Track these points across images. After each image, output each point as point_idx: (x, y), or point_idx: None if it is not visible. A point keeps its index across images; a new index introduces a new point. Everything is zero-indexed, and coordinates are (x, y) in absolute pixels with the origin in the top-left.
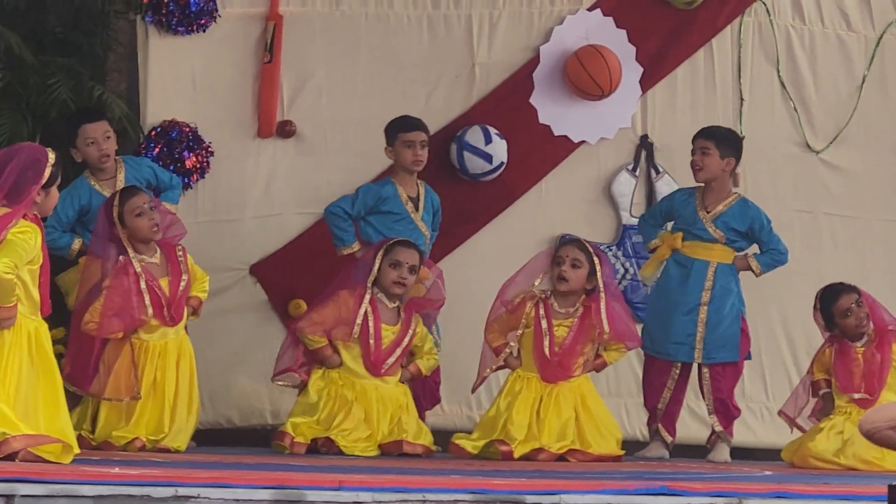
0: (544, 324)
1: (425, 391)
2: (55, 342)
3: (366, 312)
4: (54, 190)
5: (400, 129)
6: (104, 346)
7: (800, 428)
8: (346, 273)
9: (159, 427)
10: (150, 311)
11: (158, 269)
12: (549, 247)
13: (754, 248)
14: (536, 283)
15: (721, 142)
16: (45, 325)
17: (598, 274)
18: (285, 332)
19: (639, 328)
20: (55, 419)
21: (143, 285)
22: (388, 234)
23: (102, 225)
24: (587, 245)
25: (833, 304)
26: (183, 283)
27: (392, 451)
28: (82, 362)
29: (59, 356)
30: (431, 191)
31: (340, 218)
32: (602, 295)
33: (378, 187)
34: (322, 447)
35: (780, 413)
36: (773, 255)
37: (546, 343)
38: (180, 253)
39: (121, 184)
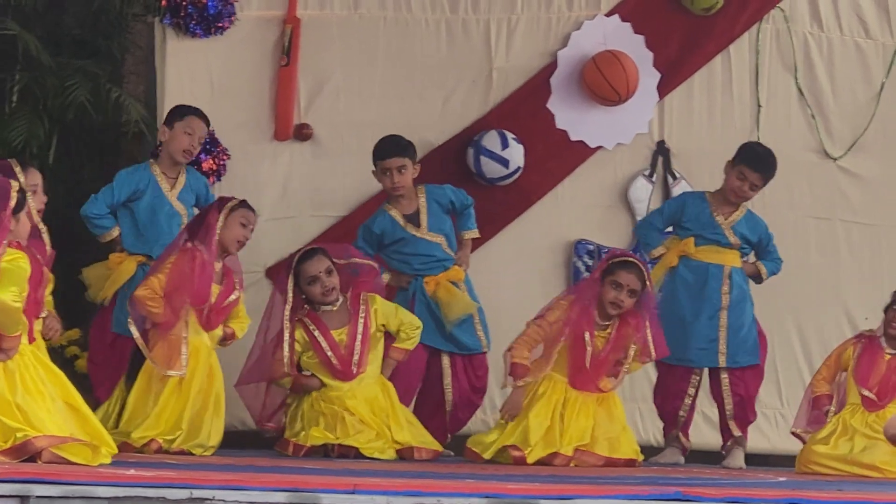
0: (587, 335)
1: (472, 387)
2: (71, 343)
3: (311, 330)
4: (24, 217)
5: (377, 154)
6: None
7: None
8: (267, 314)
9: (177, 425)
10: (213, 299)
11: (216, 276)
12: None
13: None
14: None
15: (768, 178)
16: (43, 345)
17: (646, 296)
18: None
19: None
20: (84, 424)
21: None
22: (403, 259)
23: (212, 210)
24: (643, 269)
25: None
26: (231, 298)
27: (406, 456)
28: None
29: (74, 357)
30: (435, 190)
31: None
32: (646, 317)
33: (370, 224)
34: (335, 453)
35: (793, 433)
36: (777, 264)
37: (588, 354)
38: (237, 280)
39: (181, 185)
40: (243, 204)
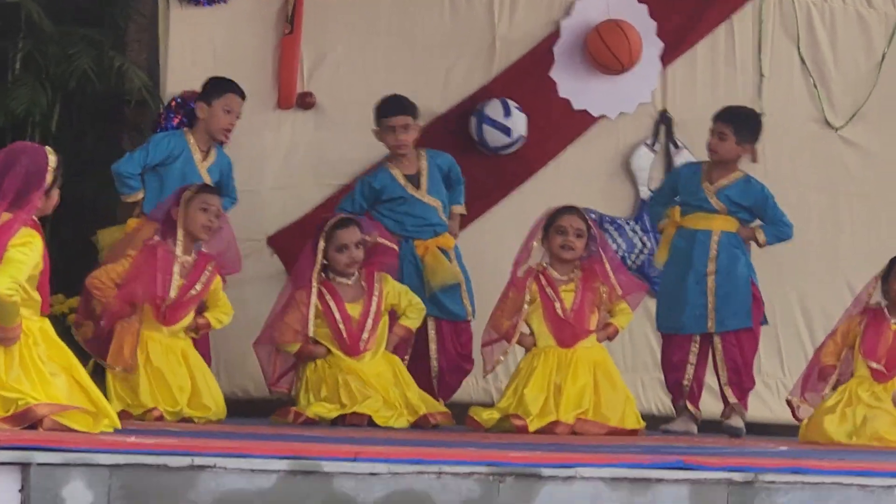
0: (550, 291)
1: (458, 354)
2: (72, 311)
3: (326, 300)
4: (55, 191)
5: (381, 112)
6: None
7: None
8: (293, 273)
9: (169, 400)
10: (173, 293)
11: (183, 269)
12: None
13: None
14: (534, 247)
15: (740, 128)
16: (48, 321)
17: (597, 238)
18: None
19: (655, 303)
20: (85, 396)
21: (175, 269)
22: (398, 219)
23: (169, 202)
24: (583, 211)
25: None
26: (193, 292)
27: (423, 424)
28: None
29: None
30: (437, 155)
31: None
32: (603, 256)
33: (370, 179)
34: (349, 421)
35: (787, 401)
36: (779, 228)
37: (558, 307)
38: (209, 270)
39: (212, 159)
40: (201, 189)
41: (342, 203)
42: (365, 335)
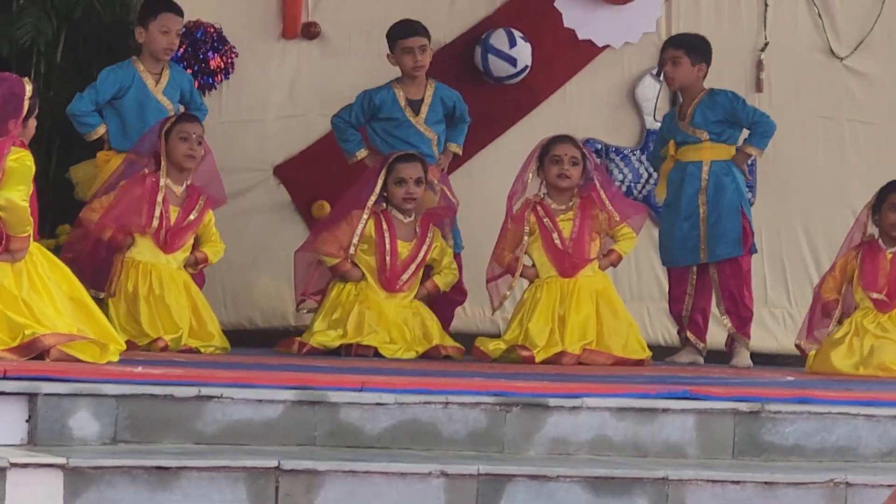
0: (548, 222)
1: (439, 298)
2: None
3: (382, 229)
4: (32, 121)
5: (399, 34)
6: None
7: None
8: (353, 192)
9: (171, 327)
10: (155, 223)
11: (176, 199)
12: (535, 147)
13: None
14: (528, 179)
15: (691, 50)
16: (40, 245)
17: (591, 167)
18: (308, 233)
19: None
20: (90, 320)
21: (159, 198)
22: (388, 140)
23: (150, 136)
24: (576, 139)
25: (892, 192)
26: (190, 219)
27: (432, 354)
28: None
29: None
30: (445, 89)
31: (340, 128)
32: (597, 183)
33: (373, 93)
34: (355, 352)
35: (797, 346)
36: (760, 129)
37: (556, 237)
38: (202, 202)
39: (165, 81)
40: (180, 119)
41: (340, 112)
42: (405, 276)
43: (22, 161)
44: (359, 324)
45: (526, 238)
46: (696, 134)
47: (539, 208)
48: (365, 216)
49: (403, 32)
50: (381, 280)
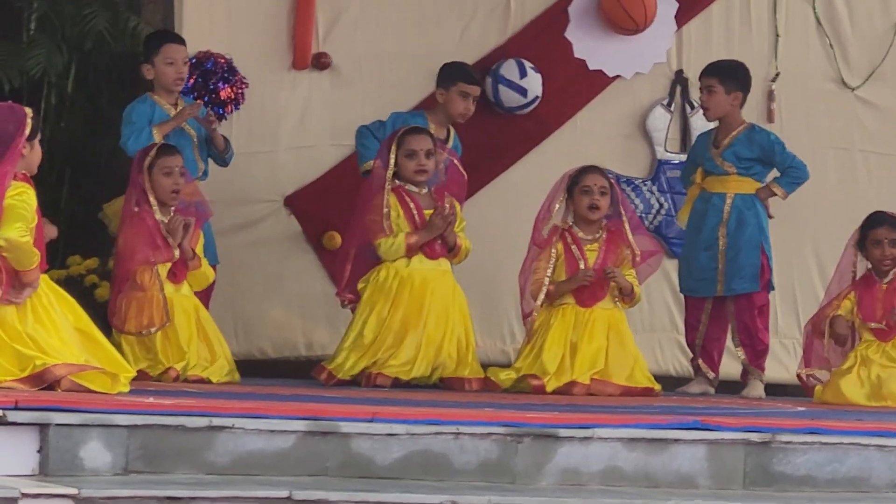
0: (575, 249)
1: None
2: (90, 272)
3: (406, 202)
4: (37, 145)
5: (461, 77)
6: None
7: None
8: (368, 181)
9: (180, 356)
10: (176, 253)
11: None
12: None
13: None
14: (555, 208)
15: (725, 78)
16: (46, 277)
17: (618, 198)
18: (319, 263)
19: (673, 263)
20: (99, 351)
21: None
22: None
23: (134, 170)
24: (603, 171)
25: (872, 228)
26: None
27: (455, 386)
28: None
29: (92, 286)
30: (458, 140)
31: (364, 134)
32: (625, 218)
33: (408, 117)
34: (374, 381)
35: (798, 376)
36: (793, 174)
37: (581, 266)
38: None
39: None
40: (159, 153)
41: (371, 123)
42: (439, 240)
43: (20, 197)
44: (393, 335)
45: (550, 265)
46: (724, 166)
47: (567, 235)
48: (387, 192)
49: (467, 77)
50: (423, 250)
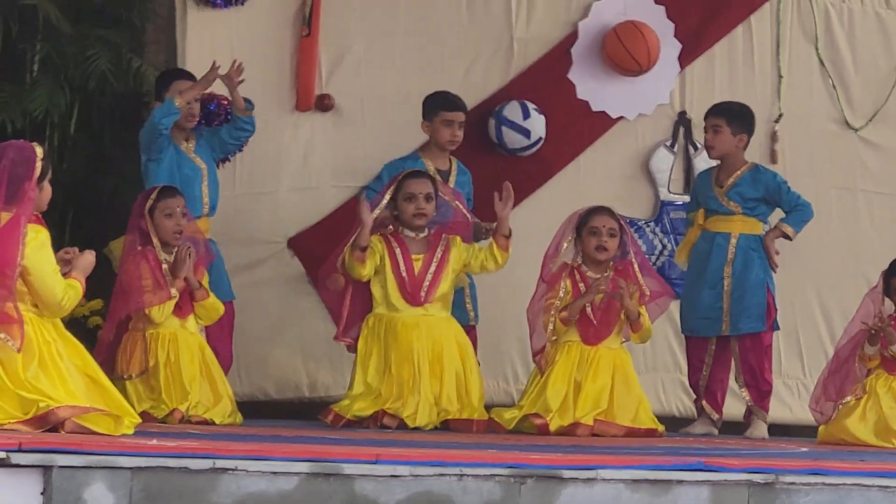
0: (583, 287)
1: None
2: (94, 313)
3: (393, 248)
4: (47, 184)
5: (442, 106)
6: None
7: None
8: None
9: (183, 396)
10: (173, 291)
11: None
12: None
13: (779, 214)
14: (564, 248)
15: (733, 119)
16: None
17: (627, 239)
18: (322, 305)
19: (675, 304)
20: (104, 395)
21: (164, 269)
22: None
23: (134, 215)
24: (613, 211)
25: (892, 277)
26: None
27: (460, 428)
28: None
29: (96, 328)
30: (464, 168)
31: (371, 196)
32: (633, 259)
33: (401, 163)
34: (381, 422)
35: (811, 409)
36: (800, 212)
37: (588, 305)
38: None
39: (193, 142)
40: (161, 195)
41: (370, 183)
42: (426, 283)
43: (41, 241)
44: (397, 380)
45: (558, 302)
46: (729, 206)
47: (576, 273)
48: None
49: (448, 105)
50: (405, 297)
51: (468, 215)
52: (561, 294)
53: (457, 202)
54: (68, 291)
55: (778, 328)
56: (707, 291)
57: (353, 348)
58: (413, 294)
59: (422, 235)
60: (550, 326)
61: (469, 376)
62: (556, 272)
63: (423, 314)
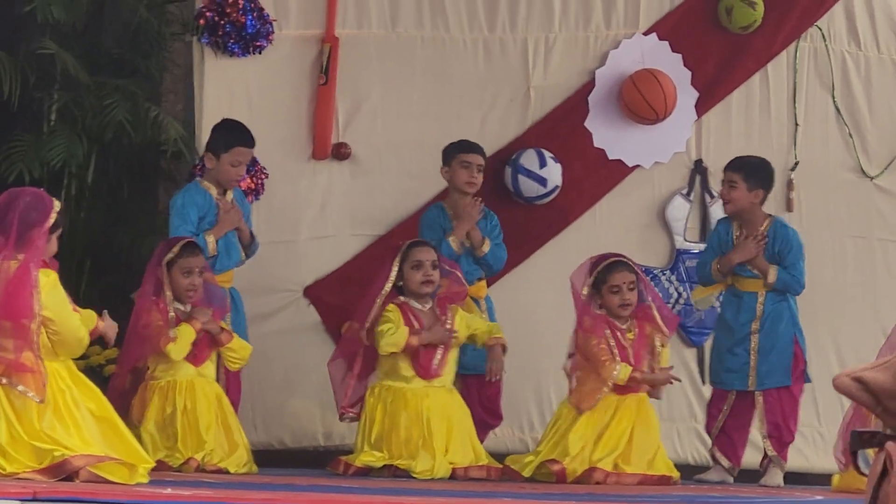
0: (620, 336)
1: (485, 409)
2: (109, 362)
3: (409, 318)
4: (55, 238)
5: (459, 149)
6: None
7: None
8: (363, 300)
9: (199, 444)
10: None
11: (185, 315)
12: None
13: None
14: (583, 295)
15: (749, 175)
16: (72, 364)
17: (643, 287)
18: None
19: (692, 353)
20: (118, 439)
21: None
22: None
23: (153, 263)
24: (627, 259)
25: None
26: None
27: (474, 475)
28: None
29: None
30: (490, 214)
31: None
32: (652, 304)
33: (431, 215)
34: (395, 473)
35: (835, 456)
36: (792, 279)
37: (630, 355)
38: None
39: (229, 198)
40: (183, 251)
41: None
42: (437, 358)
43: (55, 284)
44: (406, 440)
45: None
46: (752, 270)
47: (606, 324)
48: (379, 301)
49: (465, 148)
50: (418, 372)
51: (463, 281)
52: (613, 343)
53: (454, 271)
54: (86, 324)
55: (809, 380)
56: (736, 347)
57: (358, 418)
58: (425, 367)
59: (427, 307)
60: (615, 373)
61: (475, 439)
62: (598, 324)
63: (429, 385)
